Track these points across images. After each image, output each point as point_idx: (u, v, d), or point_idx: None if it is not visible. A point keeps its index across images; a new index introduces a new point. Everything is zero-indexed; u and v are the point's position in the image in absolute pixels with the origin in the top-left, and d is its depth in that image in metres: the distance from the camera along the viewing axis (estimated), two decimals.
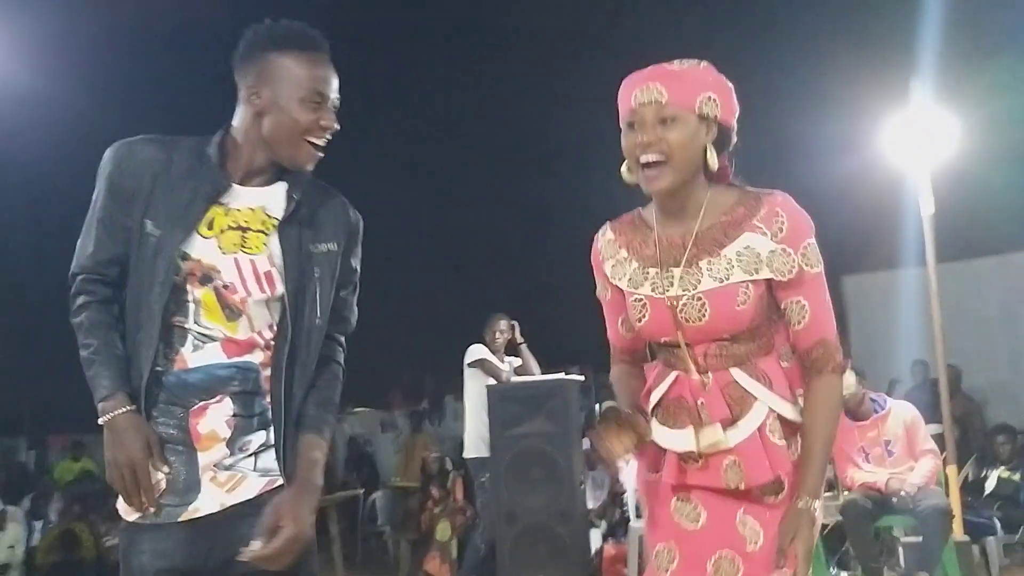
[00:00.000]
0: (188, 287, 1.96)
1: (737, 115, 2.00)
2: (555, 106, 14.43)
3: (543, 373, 6.42)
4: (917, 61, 6.37)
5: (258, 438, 1.99)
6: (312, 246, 2.04)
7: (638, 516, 5.99)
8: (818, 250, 1.95)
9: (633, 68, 1.99)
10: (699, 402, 1.95)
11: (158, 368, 1.95)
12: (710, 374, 1.95)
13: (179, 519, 1.93)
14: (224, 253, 1.97)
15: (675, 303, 1.94)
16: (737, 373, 1.95)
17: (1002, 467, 6.90)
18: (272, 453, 1.99)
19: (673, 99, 1.89)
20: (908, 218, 6.46)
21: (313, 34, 2.04)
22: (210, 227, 1.98)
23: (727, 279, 1.91)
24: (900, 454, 5.23)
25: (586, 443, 8.09)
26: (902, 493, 5.03)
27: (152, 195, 1.98)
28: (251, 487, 1.96)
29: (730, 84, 1.99)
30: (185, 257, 1.95)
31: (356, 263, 2.16)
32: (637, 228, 2.07)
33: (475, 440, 6.23)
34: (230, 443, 1.96)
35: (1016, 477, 6.80)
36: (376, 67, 15.10)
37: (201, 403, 1.95)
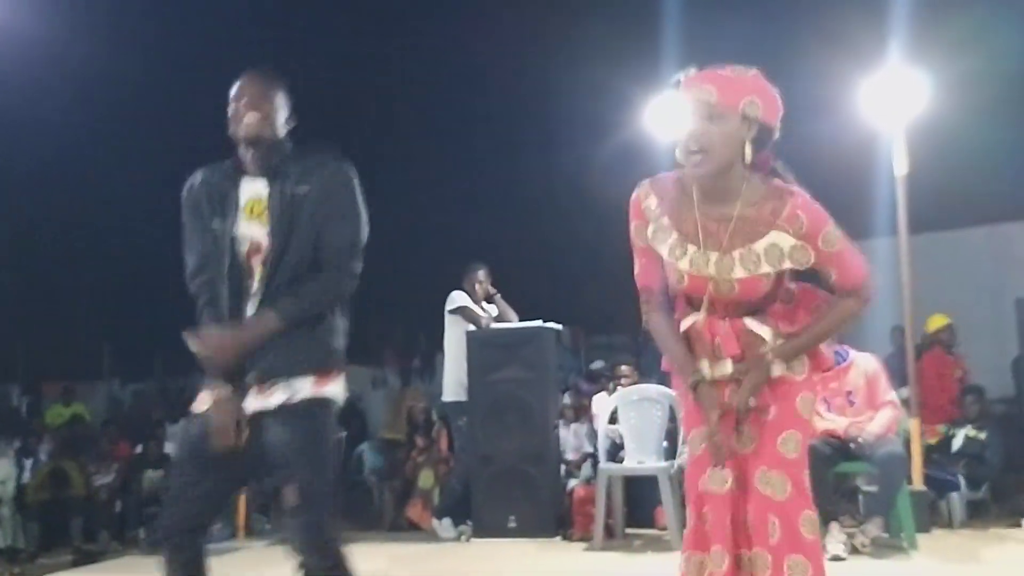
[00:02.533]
0: (250, 260, 2.66)
1: (780, 115, 2.37)
2: (555, 62, 14.46)
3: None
4: (889, 18, 6.42)
5: None
6: (290, 189, 2.65)
7: (608, 459, 6.16)
8: (836, 230, 2.34)
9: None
10: (716, 340, 2.39)
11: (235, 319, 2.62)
12: (728, 320, 2.40)
13: None
14: (260, 228, 2.65)
15: (710, 280, 2.37)
16: (749, 321, 2.39)
17: (969, 426, 7.06)
18: (292, 382, 2.58)
19: (721, 100, 2.27)
20: (888, 186, 6.55)
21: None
22: (250, 212, 2.67)
23: (756, 270, 2.34)
24: (860, 404, 5.38)
25: (567, 398, 8.28)
26: (859, 440, 5.19)
27: (210, 203, 2.70)
28: (278, 397, 2.57)
29: (775, 91, 2.37)
30: (241, 239, 2.65)
31: (346, 198, 2.70)
32: (678, 200, 2.44)
33: (453, 385, 6.39)
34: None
35: (982, 436, 6.96)
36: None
37: None
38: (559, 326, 6.66)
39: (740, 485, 2.39)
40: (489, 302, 6.57)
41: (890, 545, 5.27)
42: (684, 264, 2.38)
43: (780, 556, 2.30)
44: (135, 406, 12.26)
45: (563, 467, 6.80)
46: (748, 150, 2.31)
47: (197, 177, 2.79)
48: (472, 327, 6.36)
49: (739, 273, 2.34)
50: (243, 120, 2.66)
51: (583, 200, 14.83)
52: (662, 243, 2.42)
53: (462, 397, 6.31)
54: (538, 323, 6.34)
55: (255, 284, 2.65)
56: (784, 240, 2.32)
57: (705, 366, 2.44)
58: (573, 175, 14.72)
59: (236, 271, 2.66)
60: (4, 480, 8.14)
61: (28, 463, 8.84)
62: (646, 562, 5.35)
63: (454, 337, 6.42)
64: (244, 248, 2.66)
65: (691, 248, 2.38)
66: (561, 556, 5.60)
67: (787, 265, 2.35)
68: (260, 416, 2.59)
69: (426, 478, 8.10)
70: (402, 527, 7.88)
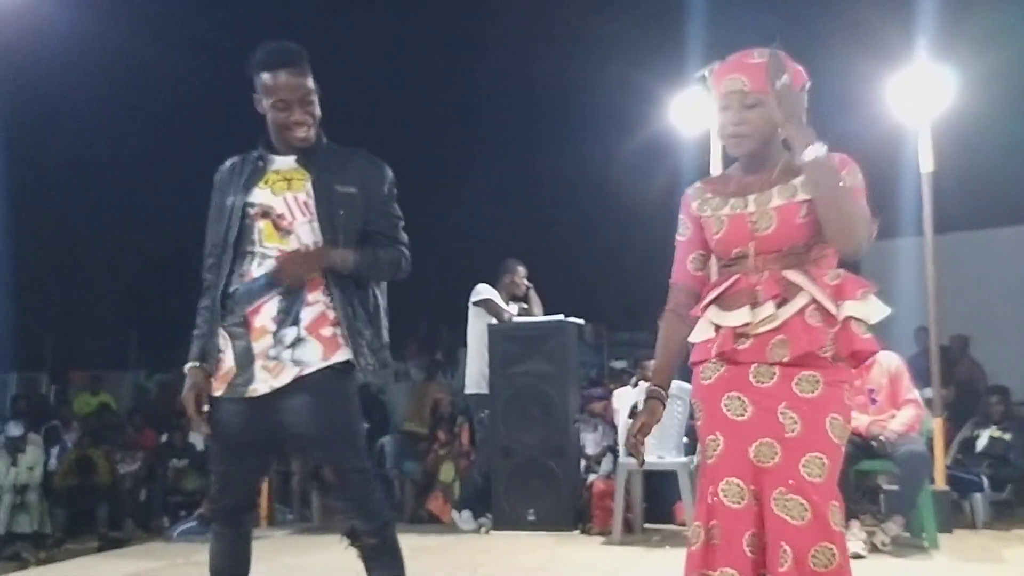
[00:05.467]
0: (254, 223, 2.72)
1: (808, 83, 2.43)
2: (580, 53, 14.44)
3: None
4: (915, 13, 6.36)
5: (291, 332, 2.67)
6: (337, 187, 2.74)
7: (627, 455, 6.16)
8: (861, 175, 2.40)
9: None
10: (756, 288, 2.37)
11: (234, 287, 2.71)
12: (766, 272, 2.38)
13: (244, 396, 2.67)
14: (275, 195, 2.74)
15: (750, 217, 2.40)
16: (789, 272, 2.37)
17: (994, 427, 7.01)
18: (303, 346, 2.66)
19: (753, 87, 2.37)
20: (914, 183, 6.49)
21: (279, 55, 2.75)
22: (265, 183, 2.76)
23: (792, 197, 2.36)
24: (883, 402, 5.36)
25: (597, 391, 8.29)
26: (881, 438, 5.17)
27: (233, 183, 2.80)
28: (288, 374, 2.64)
29: (799, 65, 2.42)
30: (250, 205, 2.73)
31: (391, 202, 2.84)
32: (722, 179, 2.57)
33: (475, 377, 6.42)
34: (275, 335, 2.66)
35: (1007, 437, 6.92)
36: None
37: (259, 302, 2.68)
38: (581, 321, 6.67)
39: (759, 500, 2.29)
40: (523, 299, 6.58)
41: (911, 544, 5.24)
42: (726, 210, 2.45)
43: None
44: (161, 396, 12.37)
45: (583, 461, 6.82)
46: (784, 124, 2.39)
47: (227, 164, 2.88)
48: (495, 320, 6.39)
49: (777, 201, 2.38)
50: (296, 133, 2.74)
51: (608, 196, 14.84)
52: (706, 207, 2.50)
53: (484, 390, 6.34)
54: (560, 317, 6.35)
55: (261, 244, 2.72)
56: None
57: (746, 312, 2.35)
58: (598, 171, 14.71)
59: (241, 234, 2.73)
60: (32, 466, 8.27)
61: (55, 450, 8.97)
62: (664, 557, 5.34)
63: (477, 330, 6.45)
64: (252, 211, 2.73)
65: (733, 199, 2.46)
66: (580, 549, 5.62)
67: None
68: (276, 395, 2.65)
69: (447, 471, 8.16)
70: (422, 519, 7.95)
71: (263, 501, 7.12)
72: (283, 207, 2.73)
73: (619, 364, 10.35)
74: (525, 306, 6.57)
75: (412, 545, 5.75)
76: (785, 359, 2.32)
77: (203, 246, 2.85)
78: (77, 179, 15.21)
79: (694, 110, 6.90)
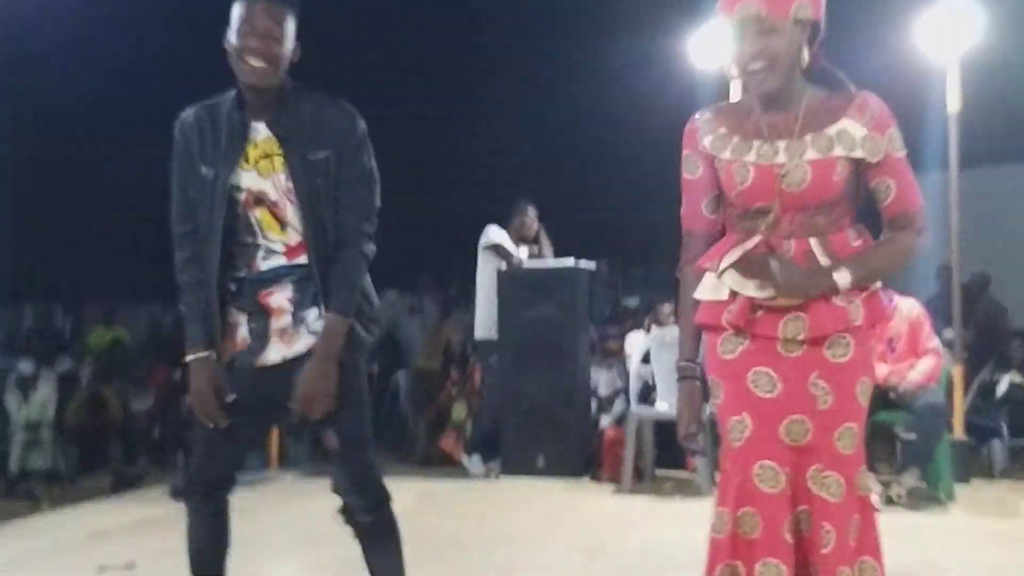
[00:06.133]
0: (248, 212, 2.52)
1: (824, 7, 2.19)
2: None
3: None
4: None
5: (313, 313, 2.54)
6: (311, 155, 2.50)
7: (640, 401, 6.08)
8: (901, 137, 2.19)
9: None
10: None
11: (241, 274, 2.55)
12: (790, 239, 2.18)
13: (253, 365, 2.53)
14: (264, 177, 2.51)
15: (780, 170, 2.16)
16: (814, 243, 2.18)
17: (1015, 371, 6.87)
18: (319, 322, 2.52)
19: (771, 11, 2.12)
20: (940, 119, 6.26)
21: None
22: (247, 160, 2.51)
23: (829, 152, 2.15)
24: (902, 351, 5.23)
25: (613, 330, 8.17)
26: (899, 389, 5.05)
27: (201, 146, 2.54)
28: (302, 344, 2.52)
29: None
30: (238, 189, 2.50)
31: (361, 160, 2.56)
32: (736, 112, 2.28)
33: (485, 322, 6.32)
34: (293, 315, 2.54)
35: None
36: None
37: (271, 288, 2.55)
38: (593, 264, 6.52)
39: (791, 482, 2.16)
40: (534, 241, 6.43)
41: (927, 496, 5.16)
42: (750, 156, 2.20)
43: (831, 567, 2.10)
44: (177, 330, 12.37)
45: (595, 402, 6.74)
46: (805, 53, 2.18)
47: (190, 115, 2.59)
48: (504, 264, 6.26)
49: (812, 155, 2.15)
50: (249, 64, 2.46)
51: (626, 131, 14.54)
52: (724, 149, 2.24)
53: (493, 335, 6.24)
54: (571, 261, 6.21)
55: (263, 237, 2.54)
56: (855, 128, 2.16)
57: (770, 288, 2.16)
58: (616, 105, 14.38)
59: (234, 223, 2.52)
60: (44, 404, 8.26)
61: (69, 388, 8.97)
62: (675, 504, 5.30)
63: (486, 274, 6.33)
64: (241, 196, 2.51)
65: (757, 142, 2.20)
66: (590, 497, 5.58)
67: (859, 153, 2.15)
68: (287, 364, 2.52)
69: (459, 410, 8.09)
70: (435, 458, 7.92)
71: (273, 439, 7.09)
72: (276, 193, 2.52)
73: (632, 302, 10.21)
74: (536, 249, 6.43)
75: (421, 490, 5.81)
76: (800, 336, 2.16)
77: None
78: (95, 110, 15.01)
79: (714, 44, 6.63)
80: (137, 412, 8.68)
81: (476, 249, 6.46)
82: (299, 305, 2.54)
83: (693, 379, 2.37)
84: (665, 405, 5.69)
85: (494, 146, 15.89)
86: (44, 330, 12.12)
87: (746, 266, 2.20)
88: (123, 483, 7.40)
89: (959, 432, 5.87)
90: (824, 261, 2.17)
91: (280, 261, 2.56)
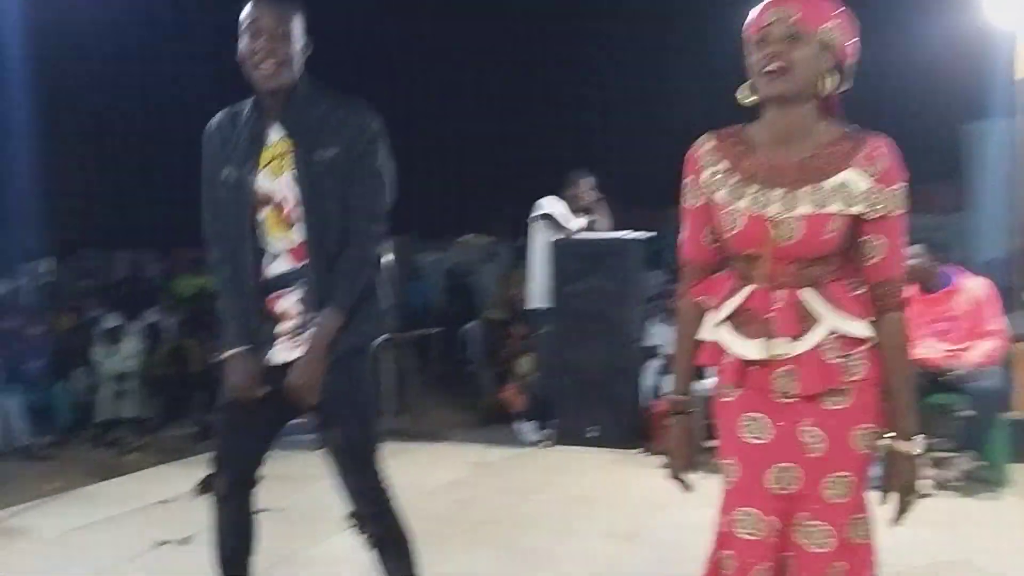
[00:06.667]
0: (257, 213, 2.60)
1: (856, 60, 2.12)
2: None
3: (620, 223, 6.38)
4: None
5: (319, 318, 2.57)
6: (318, 153, 2.54)
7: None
8: (906, 196, 2.10)
9: None
10: (771, 316, 2.13)
11: (261, 277, 2.61)
12: (784, 290, 2.13)
13: (266, 364, 2.60)
14: (274, 178, 2.58)
15: (771, 220, 2.10)
16: (807, 293, 2.11)
17: None
18: None
19: (802, 19, 2.05)
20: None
21: None
22: (262, 163, 2.58)
23: (824, 207, 2.07)
24: (963, 332, 5.06)
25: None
26: (957, 371, 4.91)
27: (224, 150, 2.63)
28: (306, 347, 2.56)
29: (857, 29, 2.12)
30: (253, 191, 2.58)
31: (371, 159, 2.60)
32: (740, 143, 2.19)
33: (539, 291, 6.35)
34: (301, 320, 2.60)
35: None
36: None
37: (278, 292, 2.63)
38: (648, 234, 6.45)
39: (778, 530, 2.14)
40: (589, 211, 6.39)
41: (981, 480, 5.04)
42: (743, 203, 2.13)
43: None
44: None
45: (657, 362, 6.70)
46: (825, 82, 2.08)
47: (214, 121, 2.71)
48: (559, 235, 6.25)
49: (804, 209, 2.07)
50: (259, 68, 2.53)
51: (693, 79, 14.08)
52: (719, 187, 2.17)
53: (546, 304, 6.26)
54: (626, 233, 6.16)
55: (268, 237, 2.61)
56: (858, 180, 2.07)
57: (760, 346, 2.14)
58: (697, 65, 13.92)
59: (253, 225, 2.61)
60: (130, 356, 8.65)
61: (153, 340, 9.33)
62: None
63: (540, 244, 6.34)
64: (254, 200, 2.60)
65: (753, 187, 2.13)
66: (638, 471, 5.61)
67: (857, 208, 2.07)
68: (291, 365, 2.59)
69: (523, 364, 8.18)
70: (495, 413, 7.97)
71: None
72: (282, 192, 2.59)
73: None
74: (593, 219, 6.38)
75: (473, 461, 5.95)
76: (792, 392, 2.12)
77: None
78: (172, 59, 15.26)
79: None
80: (216, 364, 8.99)
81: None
82: (305, 311, 2.60)
83: (686, 414, 2.36)
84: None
85: (571, 100, 15.59)
86: (135, 279, 12.59)
87: (738, 320, 2.17)
88: (206, 433, 7.67)
89: (1020, 411, 5.68)
90: (820, 311, 2.11)
91: (287, 263, 2.62)
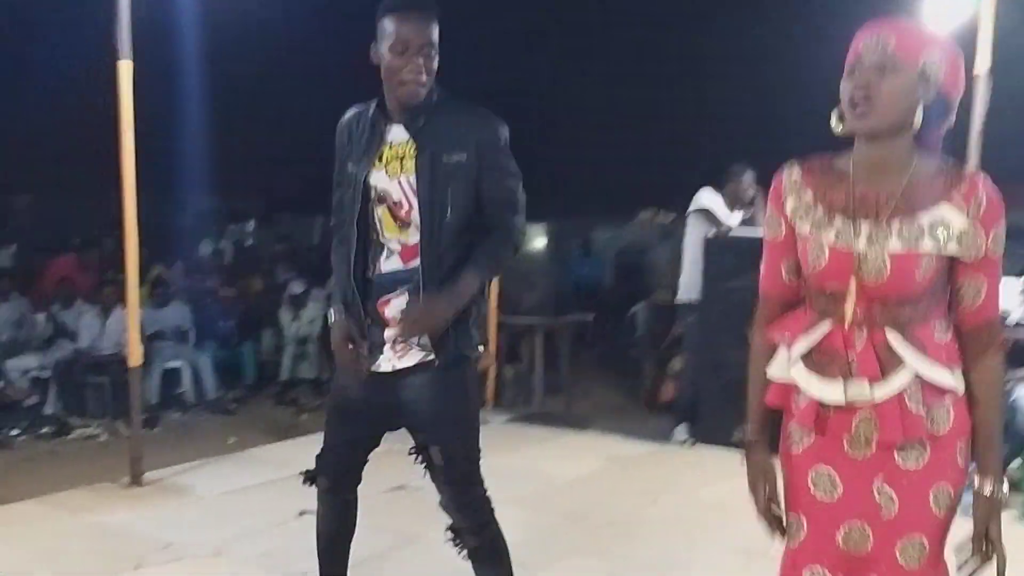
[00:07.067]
0: (374, 209, 2.69)
1: (961, 94, 2.02)
2: None
3: None
4: None
5: None
6: (446, 157, 2.60)
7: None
8: (1004, 237, 1.99)
9: None
10: (851, 356, 2.03)
11: (368, 273, 2.71)
12: (865, 329, 2.02)
13: (371, 370, 2.72)
14: (391, 178, 2.66)
15: (859, 257, 1.99)
16: (892, 334, 2.00)
17: None
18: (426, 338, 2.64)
19: (897, 50, 1.93)
20: None
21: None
22: (380, 160, 2.67)
23: (915, 246, 1.95)
24: None
25: None
26: None
27: (350, 145, 2.74)
28: (412, 357, 2.68)
29: (961, 60, 2.01)
30: (369, 187, 2.67)
31: (506, 162, 2.68)
32: (828, 174, 2.08)
33: (689, 285, 6.26)
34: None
35: None
36: None
37: (387, 296, 2.70)
38: None
39: None
40: (749, 206, 6.25)
41: None
42: (829, 236, 2.02)
43: None
44: None
45: None
46: (919, 115, 1.95)
47: (346, 116, 2.82)
48: (714, 230, 6.14)
49: (895, 246, 1.95)
50: (406, 85, 2.58)
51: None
52: (804, 219, 2.08)
53: (695, 297, 6.18)
54: None
55: (383, 235, 2.71)
56: (955, 218, 1.95)
57: (839, 388, 2.02)
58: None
59: (370, 219, 2.71)
60: (312, 320, 9.18)
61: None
62: None
63: (694, 238, 6.25)
64: (371, 194, 2.69)
65: (839, 219, 2.02)
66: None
67: (953, 250, 1.95)
68: (398, 374, 2.70)
69: (677, 363, 8.06)
70: (653, 403, 7.92)
71: (488, 380, 7.43)
72: (399, 193, 2.67)
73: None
74: (750, 214, 6.22)
75: (610, 454, 5.95)
76: (871, 438, 2.04)
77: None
78: (286, 36, 15.39)
79: None
80: None
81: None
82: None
83: (758, 455, 2.29)
84: None
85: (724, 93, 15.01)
86: (323, 246, 13.19)
87: (815, 360, 2.08)
88: None
89: None
90: (906, 354, 1.99)
91: (396, 263, 2.70)
